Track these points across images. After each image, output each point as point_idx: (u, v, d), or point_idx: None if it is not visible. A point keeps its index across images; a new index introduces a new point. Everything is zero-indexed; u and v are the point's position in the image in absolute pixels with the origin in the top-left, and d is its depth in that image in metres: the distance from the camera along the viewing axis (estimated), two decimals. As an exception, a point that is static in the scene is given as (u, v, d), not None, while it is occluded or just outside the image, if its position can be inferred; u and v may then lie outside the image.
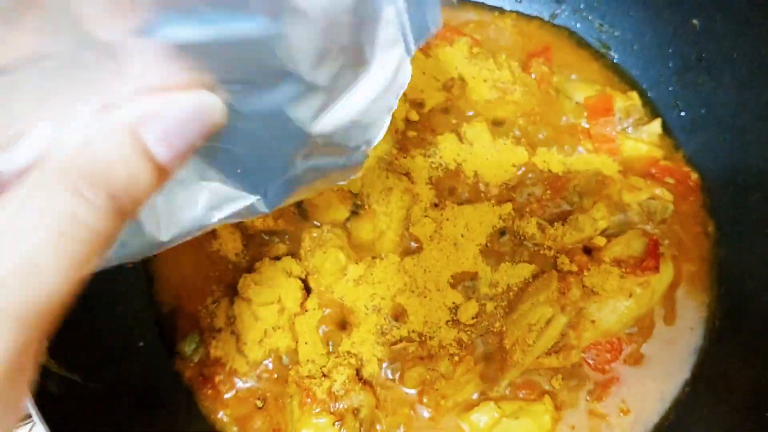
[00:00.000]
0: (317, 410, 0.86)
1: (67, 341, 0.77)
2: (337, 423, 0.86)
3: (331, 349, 0.93)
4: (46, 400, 0.70)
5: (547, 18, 1.17)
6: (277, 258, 0.98)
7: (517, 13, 1.17)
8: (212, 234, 0.99)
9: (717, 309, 0.98)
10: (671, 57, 1.08)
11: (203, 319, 0.96)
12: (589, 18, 1.14)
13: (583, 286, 0.93)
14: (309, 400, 0.86)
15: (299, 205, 1.00)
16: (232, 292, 0.96)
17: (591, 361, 0.94)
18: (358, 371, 0.91)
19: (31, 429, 0.89)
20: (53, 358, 0.75)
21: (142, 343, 0.93)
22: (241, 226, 0.99)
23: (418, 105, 1.07)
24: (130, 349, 0.92)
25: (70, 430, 0.70)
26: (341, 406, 0.87)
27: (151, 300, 0.97)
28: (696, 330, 0.97)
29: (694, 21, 1.03)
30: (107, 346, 0.88)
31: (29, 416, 0.70)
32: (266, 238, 1.00)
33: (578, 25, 1.15)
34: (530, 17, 1.17)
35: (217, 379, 0.92)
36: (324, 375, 0.89)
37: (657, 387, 0.93)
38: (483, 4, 1.18)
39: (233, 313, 0.93)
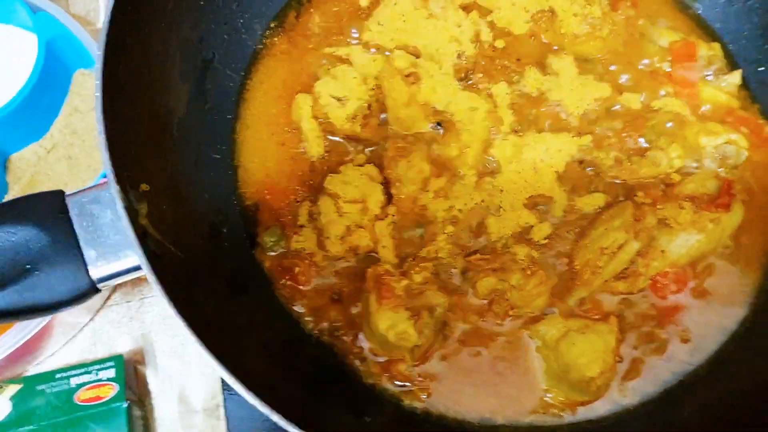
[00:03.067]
0: (395, 305, 0.89)
1: (163, 213, 0.81)
2: (413, 317, 0.89)
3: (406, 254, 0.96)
4: (149, 255, 0.73)
5: (635, -35, 1.18)
6: (360, 166, 1.01)
7: (608, -43, 1.18)
8: (298, 136, 1.03)
9: (780, 256, 1.01)
10: (756, 12, 1.10)
11: (285, 216, 0.99)
12: (678, -31, 1.16)
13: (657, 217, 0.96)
14: (387, 294, 0.89)
15: (384, 116, 1.03)
16: (314, 193, 0.99)
17: (657, 290, 0.96)
18: (434, 275, 0.94)
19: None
20: (153, 225, 0.79)
21: (226, 230, 0.97)
22: (327, 130, 1.02)
23: (505, 33, 1.09)
24: (216, 233, 0.95)
25: (168, 285, 0.72)
26: (417, 304, 0.91)
27: (235, 191, 1.00)
28: (758, 271, 1.00)
29: (785, -23, 1.05)
30: (196, 226, 0.92)
31: (138, 267, 0.73)
32: (349, 145, 1.03)
33: (666, -25, 1.17)
34: (620, -37, 1.18)
35: (296, 270, 0.95)
36: (402, 274, 0.92)
37: (718, 320, 0.97)
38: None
39: (317, 211, 0.96)
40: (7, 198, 1.15)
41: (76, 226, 0.73)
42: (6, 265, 0.71)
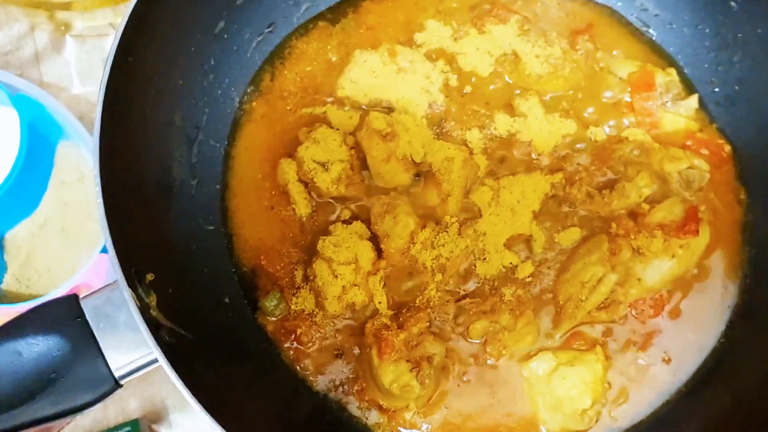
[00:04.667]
0: (395, 358, 0.95)
1: (169, 298, 0.85)
2: (413, 369, 0.95)
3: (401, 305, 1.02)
4: (164, 347, 0.77)
5: (589, -4, 1.24)
6: (347, 222, 1.06)
7: (562, -10, 1.24)
8: (285, 198, 1.07)
9: (748, 270, 1.08)
10: (708, 36, 1.16)
11: (281, 278, 1.04)
12: (630, -3, 1.22)
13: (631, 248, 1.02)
14: (387, 348, 0.95)
15: (365, 172, 1.08)
16: (307, 254, 1.04)
17: (636, 316, 1.03)
18: (429, 324, 1.00)
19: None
20: (162, 312, 0.83)
21: (227, 299, 1.01)
22: (313, 192, 1.06)
23: (471, 78, 1.14)
24: (218, 305, 1.00)
25: (184, 371, 0.77)
26: (416, 354, 0.96)
27: (231, 259, 1.05)
28: (729, 288, 1.07)
29: (732, 3, 1.11)
30: (200, 302, 0.96)
31: (156, 360, 0.78)
32: (334, 204, 1.08)
33: (619, 4, 1.22)
34: (574, -5, 1.24)
35: (298, 331, 1.00)
36: (399, 327, 0.98)
37: (695, 339, 1.04)
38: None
39: (312, 272, 1.01)
40: (7, 277, 1.18)
41: (94, 329, 0.77)
42: (32, 377, 0.75)
